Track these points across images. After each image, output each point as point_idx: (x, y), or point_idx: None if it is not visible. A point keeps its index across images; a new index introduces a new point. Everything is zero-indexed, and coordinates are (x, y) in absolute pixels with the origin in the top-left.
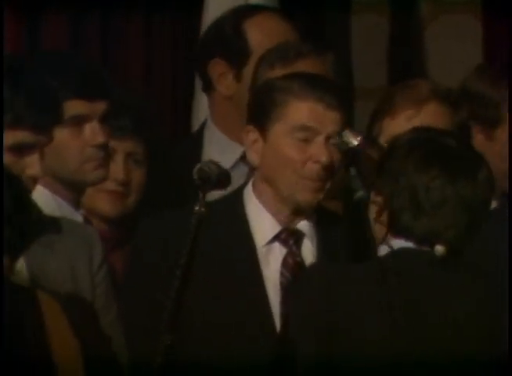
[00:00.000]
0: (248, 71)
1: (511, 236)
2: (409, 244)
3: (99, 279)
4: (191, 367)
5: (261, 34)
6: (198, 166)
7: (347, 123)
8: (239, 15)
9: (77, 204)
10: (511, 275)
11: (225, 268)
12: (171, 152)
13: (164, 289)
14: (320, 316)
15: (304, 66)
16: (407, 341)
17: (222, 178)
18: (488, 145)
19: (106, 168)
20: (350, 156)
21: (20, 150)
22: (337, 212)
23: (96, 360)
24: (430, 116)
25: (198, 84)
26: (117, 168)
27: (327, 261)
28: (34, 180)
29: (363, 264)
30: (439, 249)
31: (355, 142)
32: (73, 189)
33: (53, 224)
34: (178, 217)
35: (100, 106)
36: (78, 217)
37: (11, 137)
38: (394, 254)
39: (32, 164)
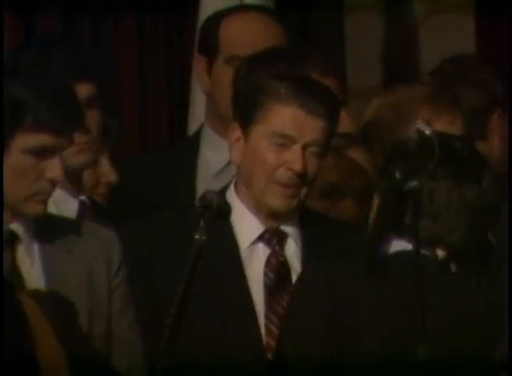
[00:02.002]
0: (217, 68)
1: (511, 236)
2: (410, 247)
3: (116, 282)
4: (175, 368)
5: (232, 33)
6: (201, 194)
7: (333, 131)
8: (222, 12)
9: (74, 191)
10: (511, 275)
11: (209, 269)
12: (167, 152)
13: (151, 296)
14: (319, 316)
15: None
16: (406, 342)
17: (223, 207)
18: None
19: (90, 152)
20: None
21: (41, 153)
22: (323, 213)
23: (77, 359)
24: (459, 122)
25: (194, 83)
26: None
27: (321, 263)
28: (54, 183)
29: (362, 265)
30: (439, 253)
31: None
32: (66, 175)
33: (71, 226)
34: (166, 221)
35: (85, 90)
36: (74, 203)
37: (32, 140)
38: (395, 256)
39: (52, 168)
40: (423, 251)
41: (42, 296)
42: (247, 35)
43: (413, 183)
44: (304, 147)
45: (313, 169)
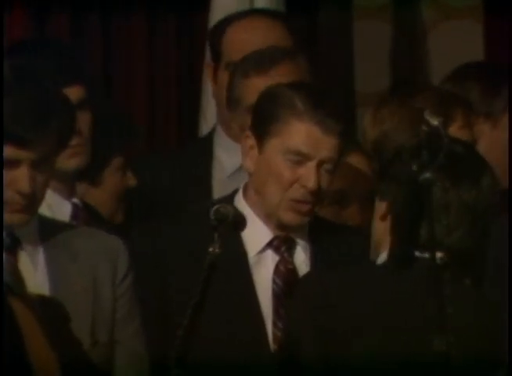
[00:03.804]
0: (219, 74)
1: (511, 236)
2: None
3: (122, 290)
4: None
5: (235, 39)
6: (215, 207)
7: (345, 148)
8: (230, 18)
9: (68, 194)
10: (511, 276)
11: (217, 275)
12: (179, 152)
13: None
14: (318, 322)
15: (279, 72)
16: (405, 347)
17: (238, 219)
18: (492, 134)
19: (82, 155)
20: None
21: (7, 163)
22: (332, 220)
23: (69, 361)
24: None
25: (205, 85)
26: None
27: (323, 268)
28: (22, 195)
29: (362, 270)
30: (439, 257)
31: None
32: (58, 178)
33: (77, 233)
34: (179, 224)
35: (76, 92)
36: (67, 206)
37: None
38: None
39: (17, 180)
40: (424, 255)
41: (32, 299)
42: (248, 42)
43: (427, 175)
44: (319, 165)
45: (325, 186)
